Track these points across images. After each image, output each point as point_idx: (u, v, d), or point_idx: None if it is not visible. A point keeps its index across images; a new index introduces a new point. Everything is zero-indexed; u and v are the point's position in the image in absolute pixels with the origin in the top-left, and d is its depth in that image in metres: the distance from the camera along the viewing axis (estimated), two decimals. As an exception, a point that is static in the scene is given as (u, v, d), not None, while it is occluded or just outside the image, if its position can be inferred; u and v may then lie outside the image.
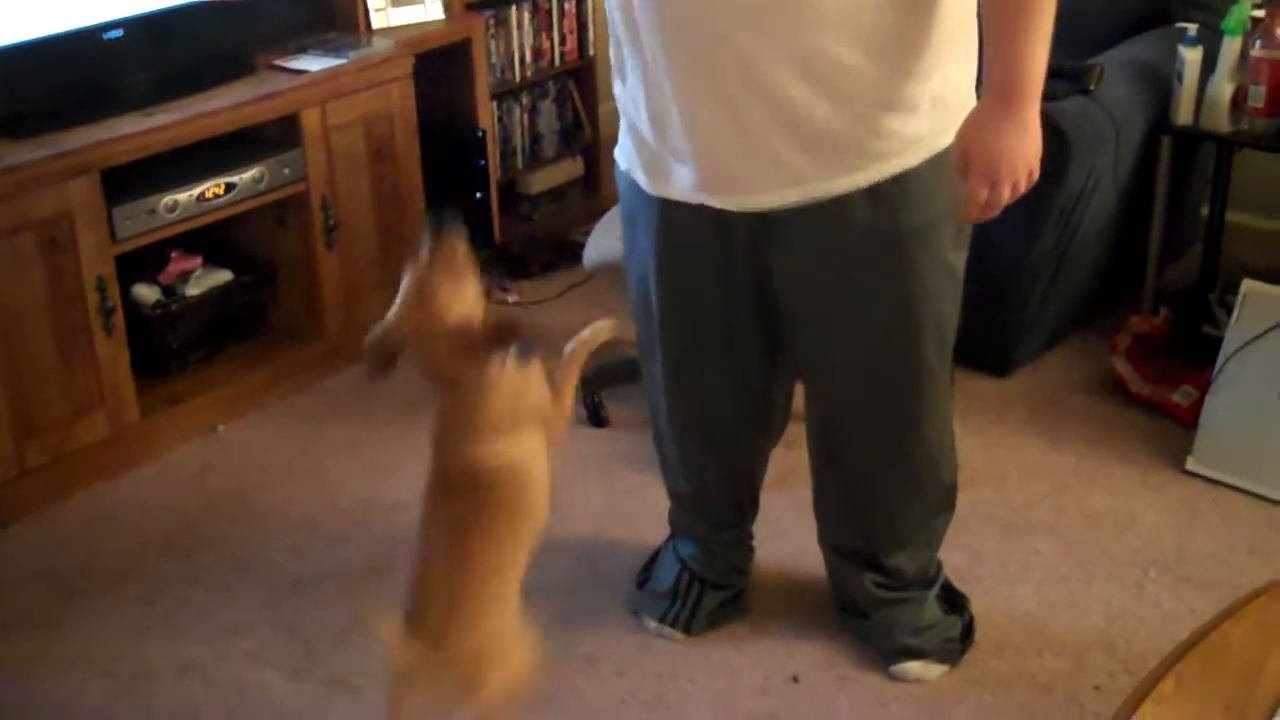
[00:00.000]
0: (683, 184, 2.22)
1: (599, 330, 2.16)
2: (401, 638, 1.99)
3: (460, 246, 1.96)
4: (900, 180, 2.14)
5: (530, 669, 2.07)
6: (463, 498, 2.01)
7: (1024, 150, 2.03)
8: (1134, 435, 3.27)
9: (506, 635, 2.06)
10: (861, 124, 2.09)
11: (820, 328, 2.31)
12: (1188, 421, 3.20)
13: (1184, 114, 3.41)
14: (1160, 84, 3.48)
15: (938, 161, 2.15)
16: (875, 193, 2.14)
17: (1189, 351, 3.39)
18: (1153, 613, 2.69)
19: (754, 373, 2.45)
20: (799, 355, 2.39)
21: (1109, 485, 3.10)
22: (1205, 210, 3.76)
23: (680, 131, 2.16)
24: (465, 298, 1.96)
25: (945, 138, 2.13)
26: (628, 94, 2.25)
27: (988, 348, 3.44)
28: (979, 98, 2.09)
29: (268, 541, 3.00)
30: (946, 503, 2.53)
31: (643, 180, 2.30)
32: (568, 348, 2.12)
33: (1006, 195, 2.05)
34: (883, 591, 2.54)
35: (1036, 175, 2.07)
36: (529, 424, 2.01)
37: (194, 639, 2.70)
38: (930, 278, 2.25)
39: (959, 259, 2.30)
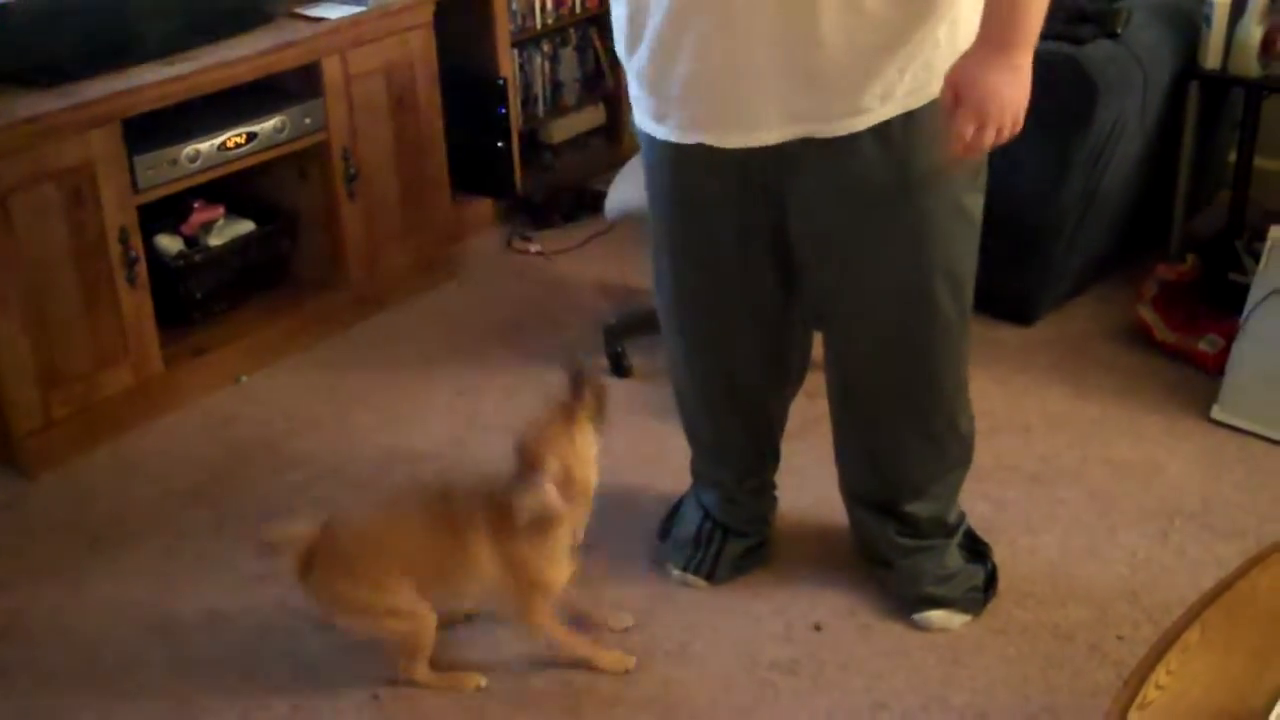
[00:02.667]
0: (681, 123, 2.21)
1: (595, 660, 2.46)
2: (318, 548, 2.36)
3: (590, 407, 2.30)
4: (909, 122, 2.13)
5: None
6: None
7: (1014, 95, 2.01)
8: (1159, 384, 3.25)
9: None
10: (869, 64, 2.07)
11: (833, 272, 2.30)
12: (1213, 370, 3.18)
13: (1212, 58, 3.38)
14: (1188, 27, 3.44)
15: None
16: (883, 134, 2.13)
17: (1215, 299, 3.37)
18: (1177, 562, 2.68)
19: (772, 319, 2.44)
20: (814, 301, 2.38)
21: (1134, 434, 3.08)
22: (1233, 156, 3.72)
23: (683, 68, 2.14)
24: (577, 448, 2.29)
25: None
26: (634, 33, 2.23)
27: (1012, 296, 3.42)
28: None
29: (293, 490, 3.01)
30: (962, 458, 2.52)
31: (648, 123, 2.29)
32: (552, 645, 2.46)
33: (991, 137, 2.03)
34: (905, 540, 2.54)
35: (1020, 124, 2.05)
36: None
37: (220, 587, 2.72)
38: (942, 221, 2.23)
39: (974, 202, 2.28)
